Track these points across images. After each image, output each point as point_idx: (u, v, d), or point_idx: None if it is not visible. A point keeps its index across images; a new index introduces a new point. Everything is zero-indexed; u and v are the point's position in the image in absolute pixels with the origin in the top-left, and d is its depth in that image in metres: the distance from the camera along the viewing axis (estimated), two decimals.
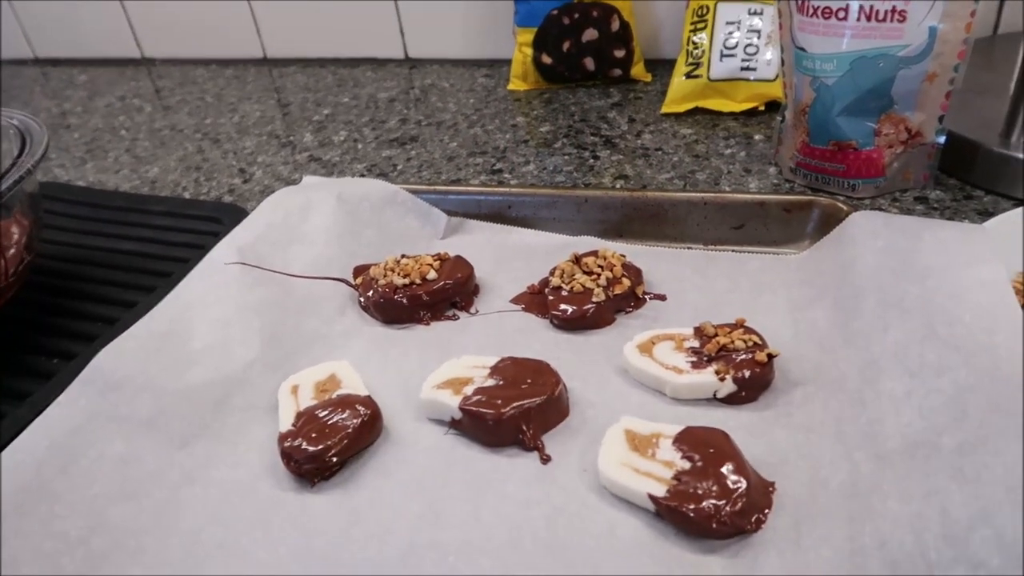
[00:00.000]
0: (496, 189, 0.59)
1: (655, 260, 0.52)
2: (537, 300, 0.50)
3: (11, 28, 1.11)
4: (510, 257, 0.55)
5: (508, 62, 0.85)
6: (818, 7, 0.54)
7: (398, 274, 0.50)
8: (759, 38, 0.71)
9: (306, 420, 0.40)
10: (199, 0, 0.98)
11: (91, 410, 0.42)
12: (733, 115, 0.71)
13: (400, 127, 0.77)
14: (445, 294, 0.50)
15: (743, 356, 0.41)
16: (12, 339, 0.52)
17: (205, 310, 0.48)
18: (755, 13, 0.71)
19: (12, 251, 0.53)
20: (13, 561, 0.36)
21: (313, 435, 0.39)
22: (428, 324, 0.50)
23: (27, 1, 1.07)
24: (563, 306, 0.47)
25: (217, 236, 0.60)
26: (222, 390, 0.45)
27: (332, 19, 0.94)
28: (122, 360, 0.44)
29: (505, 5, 0.82)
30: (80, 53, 1.10)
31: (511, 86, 0.82)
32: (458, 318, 0.50)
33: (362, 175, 0.69)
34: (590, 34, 0.78)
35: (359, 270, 0.53)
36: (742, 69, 0.71)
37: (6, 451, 0.40)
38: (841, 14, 0.53)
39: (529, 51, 0.79)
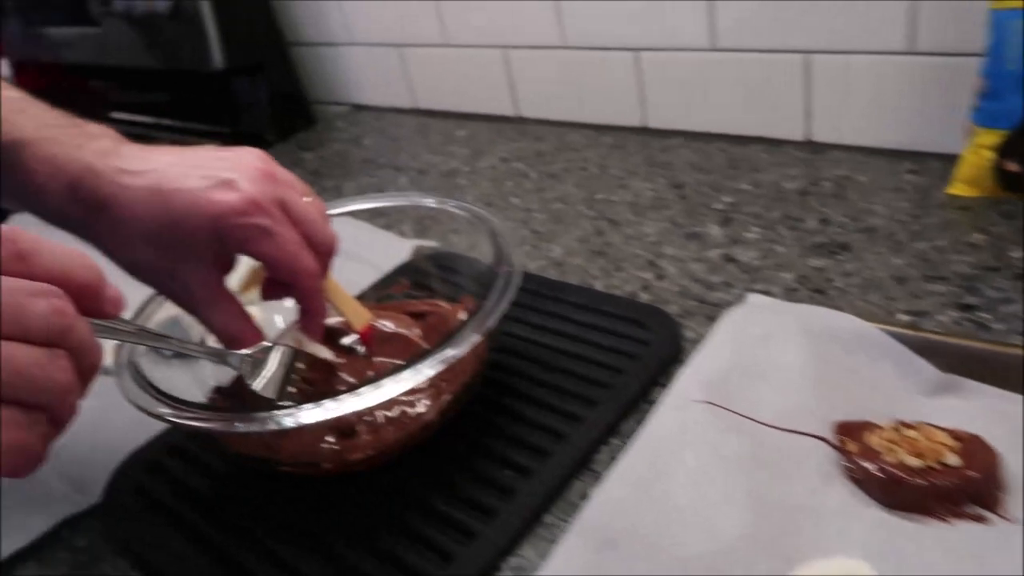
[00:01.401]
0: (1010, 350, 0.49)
1: None
2: None
3: (397, 78, 1.20)
4: None
5: (939, 156, 0.75)
6: None
7: (906, 450, 0.43)
8: None
9: None
10: (575, 51, 0.98)
11: (590, 568, 0.40)
12: None
13: (822, 229, 0.70)
14: (974, 488, 0.41)
15: None
16: (472, 440, 0.53)
17: (681, 456, 0.45)
18: None
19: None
20: None
21: None
22: (948, 522, 0.42)
23: (415, 50, 1.15)
24: None
25: (646, 344, 0.57)
26: (715, 564, 0.40)
27: (723, 91, 0.89)
28: (613, 513, 0.42)
29: (945, 88, 0.72)
30: (458, 107, 1.15)
31: (952, 189, 0.72)
32: (985, 520, 0.42)
33: (793, 289, 0.62)
34: None
35: (845, 429, 0.47)
36: None
37: None
38: None
39: (988, 154, 0.68)
